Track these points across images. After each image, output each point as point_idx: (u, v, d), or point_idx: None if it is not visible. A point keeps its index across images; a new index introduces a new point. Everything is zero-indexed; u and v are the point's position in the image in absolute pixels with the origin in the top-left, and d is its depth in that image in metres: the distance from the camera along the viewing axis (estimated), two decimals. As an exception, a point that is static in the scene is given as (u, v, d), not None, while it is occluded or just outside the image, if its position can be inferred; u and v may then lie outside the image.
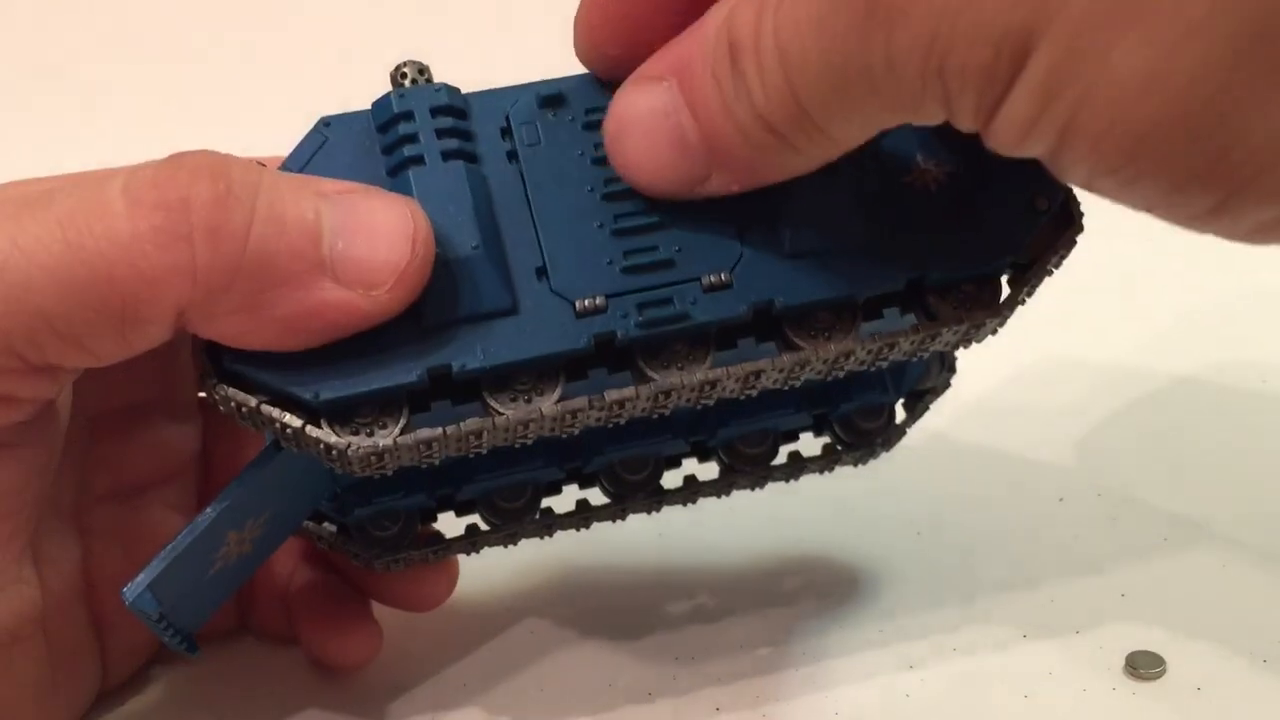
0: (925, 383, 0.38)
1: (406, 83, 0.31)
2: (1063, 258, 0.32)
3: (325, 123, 0.31)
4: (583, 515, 0.37)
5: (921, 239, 0.31)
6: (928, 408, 0.39)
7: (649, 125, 0.29)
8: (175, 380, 0.36)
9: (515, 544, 0.38)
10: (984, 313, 0.32)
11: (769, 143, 0.28)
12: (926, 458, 0.45)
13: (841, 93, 0.26)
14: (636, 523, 0.38)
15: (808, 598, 0.40)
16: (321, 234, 0.28)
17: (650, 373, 0.30)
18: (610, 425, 0.32)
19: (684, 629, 0.39)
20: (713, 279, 0.30)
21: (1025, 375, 0.41)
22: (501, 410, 0.30)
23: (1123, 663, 0.36)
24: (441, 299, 0.29)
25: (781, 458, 0.38)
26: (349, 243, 0.28)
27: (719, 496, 0.38)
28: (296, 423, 0.29)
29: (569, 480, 0.37)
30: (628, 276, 0.30)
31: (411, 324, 0.29)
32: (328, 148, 0.31)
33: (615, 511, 0.38)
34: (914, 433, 0.39)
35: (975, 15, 0.24)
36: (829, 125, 0.27)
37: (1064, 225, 0.32)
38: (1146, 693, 0.35)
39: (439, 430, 0.30)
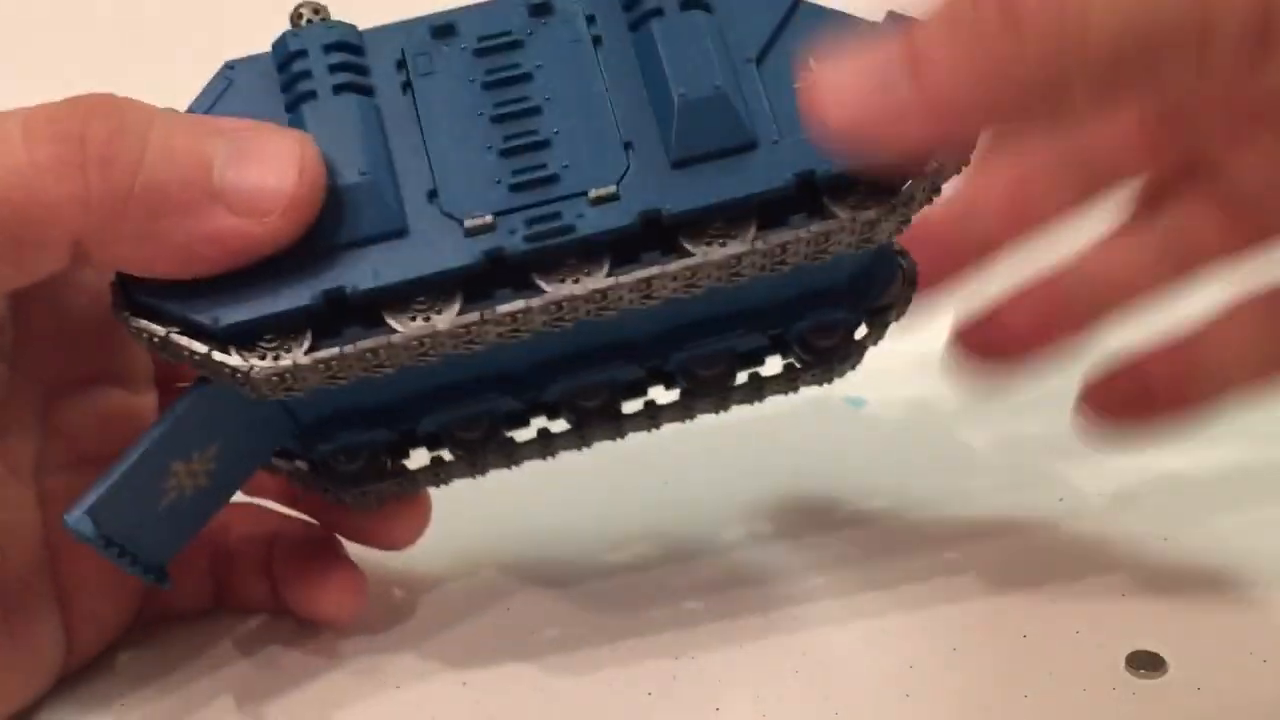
0: (885, 299, 0.37)
1: (303, 23, 0.33)
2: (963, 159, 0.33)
3: (230, 66, 0.33)
4: (544, 443, 0.38)
5: (810, 141, 0.31)
6: (888, 324, 0.38)
7: (851, 65, 0.29)
8: (129, 353, 0.37)
9: (483, 474, 0.38)
10: (875, 210, 0.31)
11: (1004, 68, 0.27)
12: (926, 458, 0.45)
13: (1139, 31, 0.26)
14: (638, 523, 0.38)
15: (807, 598, 0.40)
16: (212, 164, 0.30)
17: (545, 287, 0.31)
18: (513, 342, 0.32)
19: (683, 628, 0.39)
20: (600, 192, 0.31)
21: (1025, 375, 0.41)
22: (399, 329, 0.31)
23: (1123, 663, 0.36)
24: (334, 225, 0.31)
25: (743, 380, 0.38)
26: (239, 171, 0.30)
27: (681, 421, 0.38)
28: (202, 349, 0.31)
29: (529, 412, 0.38)
30: (515, 194, 0.31)
31: (308, 251, 0.31)
32: (232, 89, 0.33)
33: (577, 440, 0.38)
34: (914, 433, 0.39)
35: None
36: (1097, 63, 0.27)
37: None
38: (1146, 693, 0.35)
39: (336, 349, 0.31)
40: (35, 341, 0.35)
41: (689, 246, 0.31)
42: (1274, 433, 0.44)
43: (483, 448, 0.37)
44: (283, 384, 0.31)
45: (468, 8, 0.34)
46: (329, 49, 0.32)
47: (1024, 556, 0.41)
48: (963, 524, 0.42)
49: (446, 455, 0.38)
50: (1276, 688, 0.35)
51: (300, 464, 0.37)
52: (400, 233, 0.31)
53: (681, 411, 0.38)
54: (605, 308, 0.32)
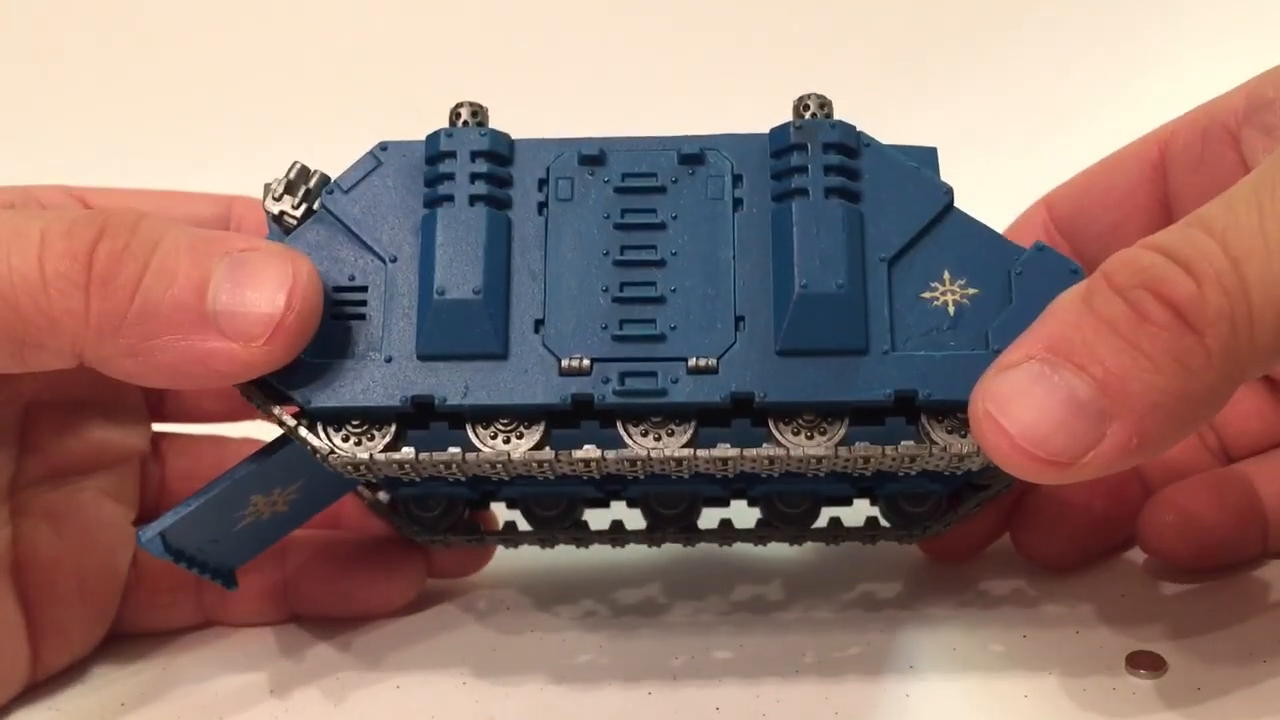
0: (984, 478, 0.37)
1: (459, 122, 0.33)
2: None
3: (382, 147, 0.33)
4: (615, 535, 0.38)
5: (924, 356, 0.31)
6: (981, 504, 0.38)
7: (1031, 393, 0.28)
8: (117, 385, 0.37)
9: (551, 547, 0.39)
10: (968, 445, 0.31)
11: (1207, 368, 0.27)
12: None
13: None
14: (638, 524, 0.39)
15: (807, 598, 0.40)
16: (208, 287, 0.31)
17: (626, 438, 0.31)
18: (588, 478, 0.33)
19: (684, 629, 0.39)
20: (699, 362, 0.31)
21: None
22: (478, 446, 0.31)
23: (1123, 663, 0.36)
24: (442, 332, 0.31)
25: (824, 520, 0.38)
26: (232, 296, 0.31)
27: (755, 544, 0.38)
28: (290, 422, 0.32)
29: (606, 501, 0.38)
30: (618, 344, 0.31)
31: (411, 350, 0.31)
32: (379, 171, 0.33)
33: (649, 538, 0.38)
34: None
35: None
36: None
37: None
38: (1146, 693, 0.35)
39: (411, 454, 0.31)
40: None
41: (775, 431, 0.31)
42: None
43: (555, 525, 0.38)
44: (357, 470, 0.32)
45: (622, 140, 0.33)
46: (476, 156, 0.32)
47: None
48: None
49: (521, 523, 0.38)
50: (1277, 688, 0.35)
51: (382, 496, 0.39)
52: (499, 355, 0.31)
53: (755, 538, 0.38)
54: (680, 470, 0.32)
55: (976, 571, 0.40)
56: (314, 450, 0.32)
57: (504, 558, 0.41)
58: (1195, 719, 0.34)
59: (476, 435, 0.31)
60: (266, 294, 0.31)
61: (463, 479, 0.32)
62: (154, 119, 0.64)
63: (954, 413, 0.31)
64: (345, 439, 0.32)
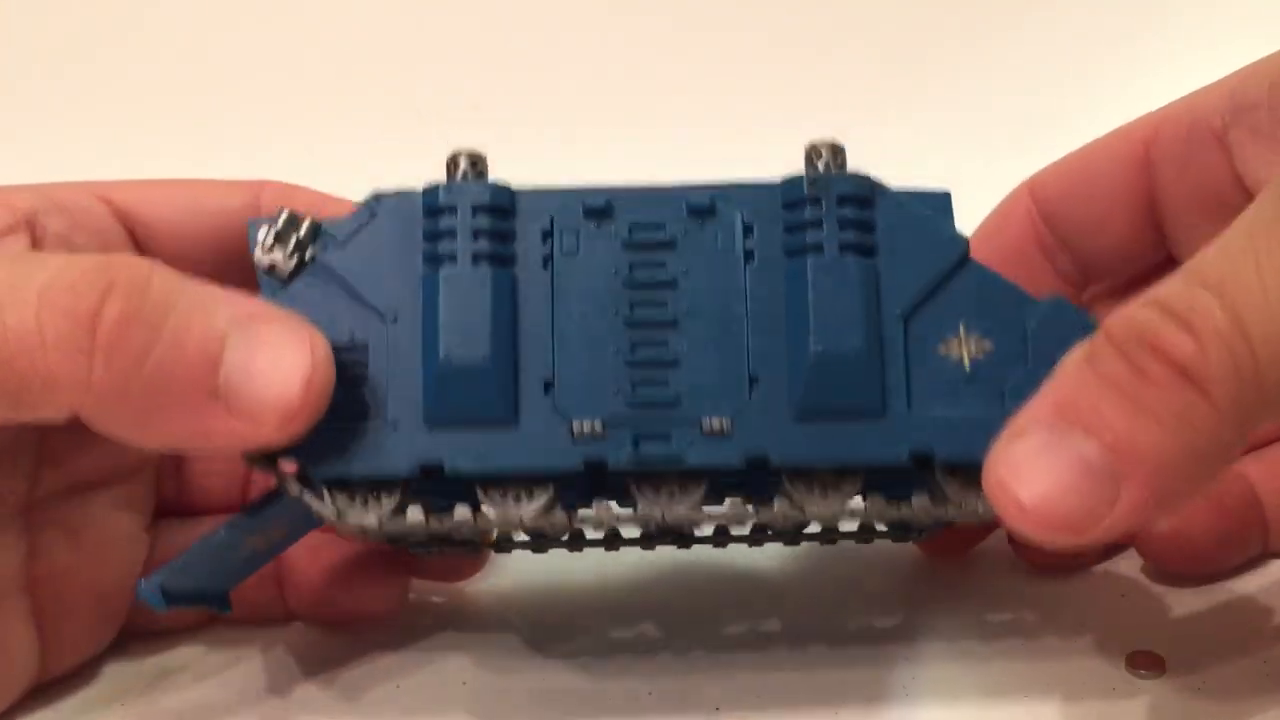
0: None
1: (458, 172, 0.32)
2: None
3: (376, 198, 0.32)
4: (610, 544, 0.38)
5: (939, 414, 0.31)
6: (976, 513, 0.37)
7: (1042, 459, 0.28)
8: None
9: (543, 552, 0.39)
10: (985, 504, 0.30)
11: (1220, 426, 0.27)
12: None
13: None
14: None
15: (806, 598, 0.40)
16: (220, 362, 0.29)
17: (638, 499, 0.31)
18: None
19: (683, 629, 0.39)
20: (713, 424, 0.31)
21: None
22: (487, 508, 0.31)
23: (1123, 663, 0.36)
24: (449, 397, 0.31)
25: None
26: (243, 377, 0.29)
27: (750, 546, 0.38)
28: (296, 489, 0.31)
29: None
30: (631, 409, 0.31)
31: (418, 415, 0.31)
32: (374, 224, 0.32)
33: (644, 543, 0.38)
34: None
35: None
36: None
37: None
38: (1146, 693, 0.35)
39: (420, 518, 0.31)
40: None
41: (789, 490, 0.31)
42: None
43: (551, 538, 0.37)
44: (364, 535, 0.32)
45: (628, 190, 0.32)
46: (477, 211, 0.31)
47: (1024, 557, 0.41)
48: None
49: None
50: (1277, 688, 0.35)
51: None
52: (508, 421, 0.31)
53: (750, 541, 0.38)
54: (695, 527, 0.32)
55: (976, 571, 0.40)
56: (322, 518, 0.31)
57: (504, 558, 0.41)
58: (1195, 719, 0.34)
59: (488, 497, 0.31)
60: (281, 378, 0.30)
61: (469, 538, 0.32)
62: (158, 115, 0.64)
63: (967, 470, 0.31)
64: (350, 500, 0.31)
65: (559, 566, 0.41)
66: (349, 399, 0.31)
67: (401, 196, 0.32)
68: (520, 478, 0.31)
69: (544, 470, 0.31)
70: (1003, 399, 0.31)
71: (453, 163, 0.32)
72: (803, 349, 0.31)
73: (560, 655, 0.38)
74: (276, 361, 0.30)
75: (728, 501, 0.31)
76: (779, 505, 0.31)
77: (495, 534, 0.38)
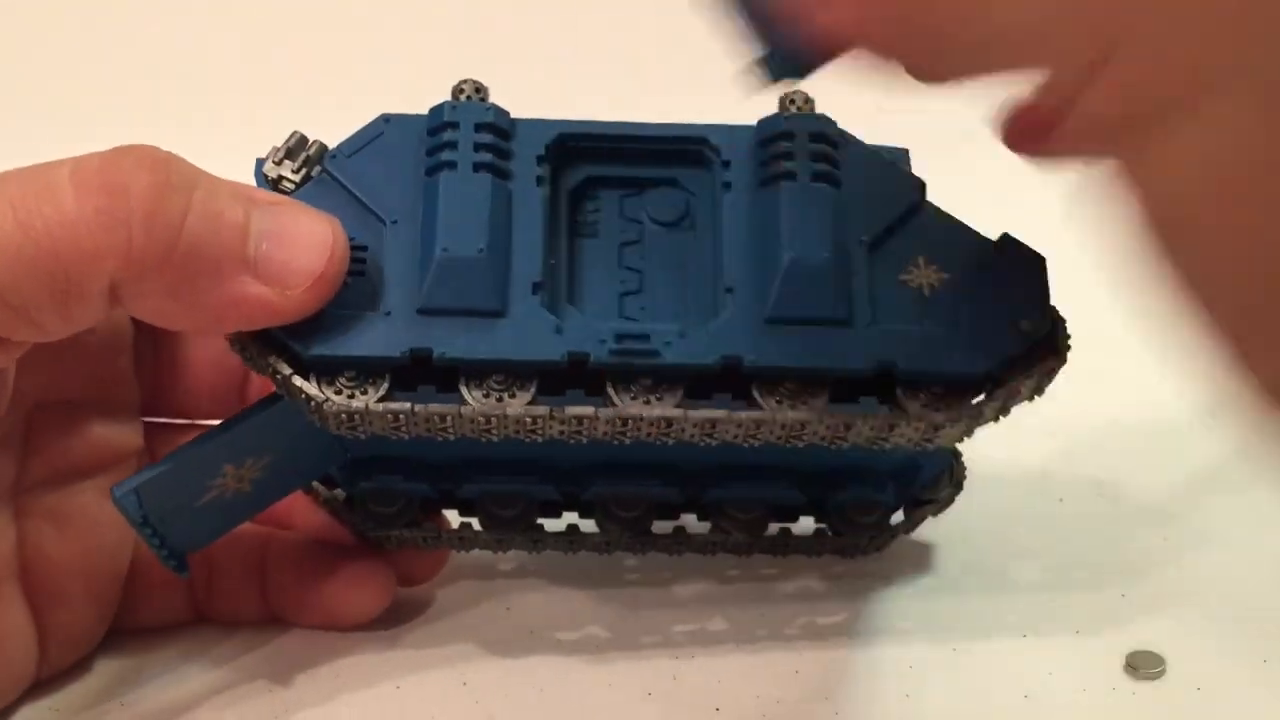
0: (928, 492, 0.39)
1: (463, 98, 0.34)
2: (1041, 385, 0.34)
3: (385, 119, 0.34)
4: (570, 539, 0.39)
5: (901, 333, 0.32)
6: (925, 518, 0.39)
7: None
8: (115, 385, 0.38)
9: (505, 551, 0.40)
10: (943, 416, 0.32)
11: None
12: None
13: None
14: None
15: (806, 598, 0.40)
16: (249, 234, 0.31)
17: (615, 399, 0.32)
18: (574, 442, 0.33)
19: (683, 628, 0.39)
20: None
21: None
22: (471, 402, 0.32)
23: (1123, 663, 0.36)
24: (443, 290, 0.32)
25: (774, 532, 0.39)
26: (273, 245, 0.31)
27: (705, 554, 0.39)
28: (286, 370, 0.32)
29: (565, 504, 0.38)
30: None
31: (411, 306, 0.32)
32: (381, 140, 0.34)
33: (601, 544, 0.39)
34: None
35: None
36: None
37: (1047, 354, 0.33)
38: (1146, 693, 0.35)
39: (407, 405, 0.32)
40: (20, 359, 0.35)
41: (759, 399, 0.32)
42: (1275, 434, 0.44)
43: (511, 527, 0.38)
44: (349, 422, 0.33)
45: (620, 125, 0.35)
46: (480, 128, 0.33)
47: (1024, 556, 0.41)
48: (961, 523, 0.42)
49: (476, 524, 0.38)
50: (1277, 688, 0.35)
51: (338, 493, 0.39)
52: (498, 312, 0.32)
53: (706, 546, 0.39)
54: (667, 434, 0.33)
55: (976, 571, 0.40)
56: (308, 399, 0.32)
57: (504, 559, 0.41)
58: (1195, 719, 0.34)
59: (470, 393, 0.32)
60: (309, 243, 0.31)
61: (452, 438, 0.33)
62: (144, 105, 0.64)
63: (928, 388, 0.32)
64: (339, 392, 0.32)
65: (559, 566, 0.41)
66: (346, 293, 0.32)
67: (409, 118, 0.34)
68: (505, 368, 0.32)
69: (528, 361, 0.32)
70: (958, 325, 0.32)
71: (458, 90, 0.35)
72: (775, 260, 0.32)
73: (560, 655, 0.38)
74: (303, 230, 0.32)
75: (706, 408, 0.32)
76: (751, 413, 0.32)
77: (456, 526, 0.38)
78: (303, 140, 0.34)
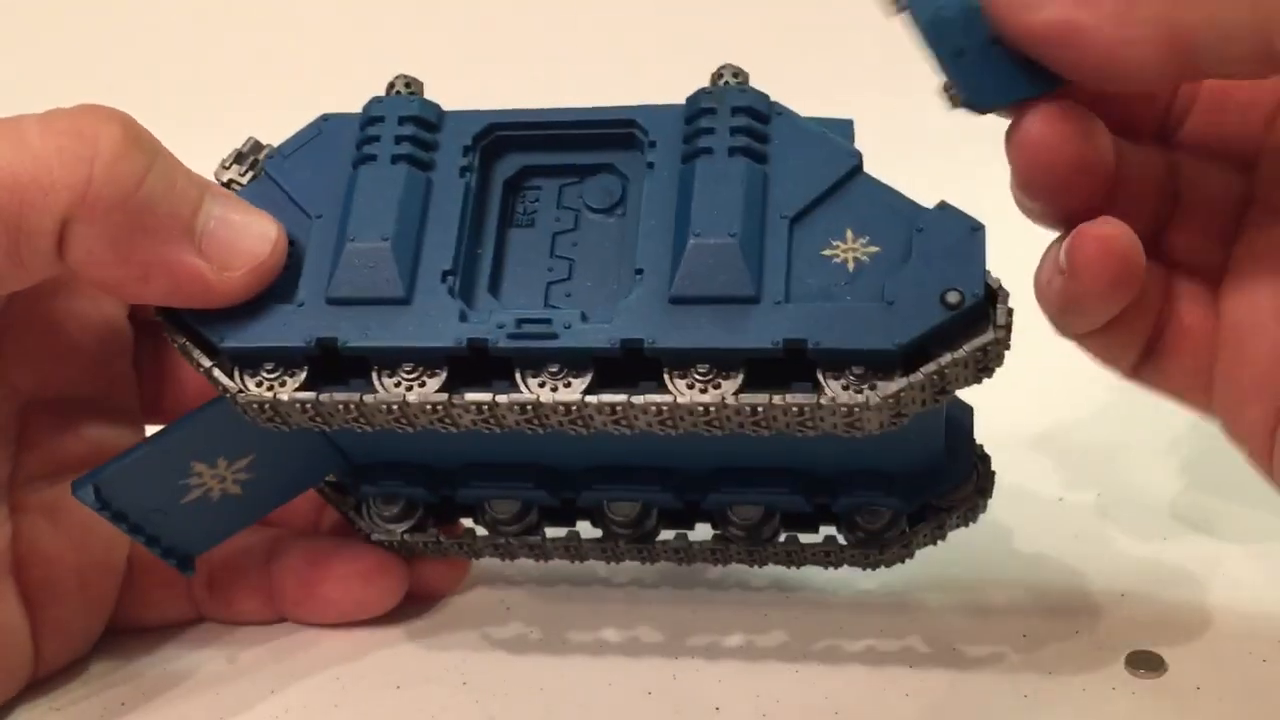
0: (946, 500, 0.37)
1: (393, 93, 0.35)
2: (981, 362, 0.31)
3: (324, 119, 0.35)
4: (572, 544, 0.38)
5: (818, 309, 0.31)
6: (944, 527, 0.37)
7: None
8: (114, 385, 0.38)
9: (511, 559, 0.39)
10: (861, 397, 0.30)
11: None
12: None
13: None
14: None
15: (806, 597, 0.40)
16: (200, 209, 0.32)
17: (520, 384, 0.32)
18: (488, 430, 0.33)
19: (683, 628, 0.39)
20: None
21: (1025, 374, 0.41)
22: (379, 390, 0.32)
23: (1123, 663, 0.36)
24: (352, 280, 0.33)
25: (783, 540, 0.38)
26: (220, 225, 0.32)
27: (714, 564, 0.39)
28: (206, 363, 0.33)
29: (563, 510, 0.38)
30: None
31: (322, 297, 0.33)
32: (319, 139, 0.35)
33: (607, 551, 0.38)
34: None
35: None
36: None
37: (976, 326, 0.31)
38: (1146, 692, 0.35)
39: (313, 395, 0.32)
40: (14, 354, 0.35)
41: (669, 384, 0.31)
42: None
43: (511, 531, 0.38)
44: (265, 413, 0.33)
45: (550, 111, 0.35)
46: (403, 120, 0.34)
47: (1024, 556, 0.41)
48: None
49: (480, 530, 0.38)
50: (1277, 688, 0.35)
51: (349, 499, 0.39)
52: (402, 300, 0.32)
53: (712, 555, 0.38)
54: (576, 422, 0.32)
55: (976, 570, 0.40)
56: (224, 390, 0.33)
57: (504, 565, 0.41)
58: (1195, 719, 0.34)
59: (380, 382, 0.32)
60: (254, 233, 0.33)
61: (368, 429, 0.33)
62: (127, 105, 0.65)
63: (848, 367, 0.31)
64: (259, 384, 0.33)
65: (558, 566, 0.41)
66: (272, 288, 0.33)
67: (347, 117, 0.35)
68: (409, 356, 0.32)
69: (429, 348, 0.32)
70: (882, 296, 0.31)
71: (390, 85, 0.35)
72: (683, 239, 0.32)
73: (560, 655, 0.38)
74: (251, 219, 0.33)
75: (606, 394, 0.32)
76: (654, 397, 0.31)
77: (475, 543, 0.39)
78: (256, 145, 0.35)
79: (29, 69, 0.68)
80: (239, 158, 0.35)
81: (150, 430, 0.40)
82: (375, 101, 0.35)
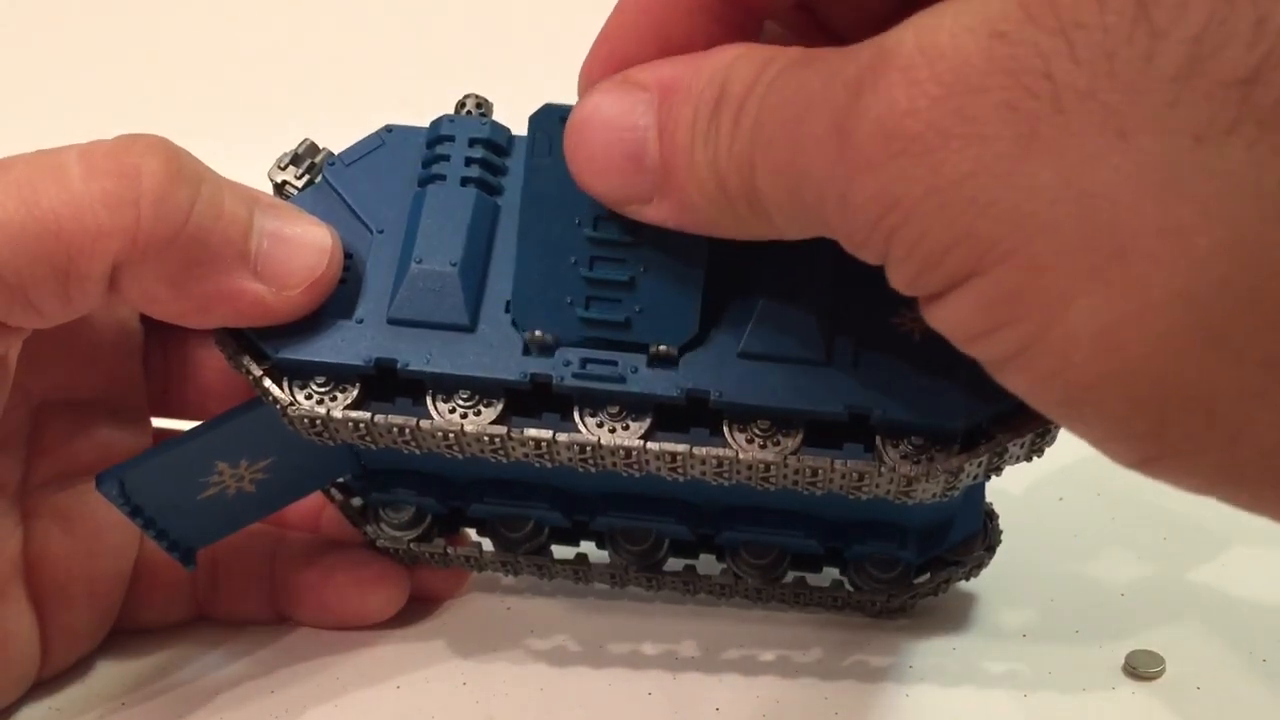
0: (956, 554, 0.37)
1: (463, 112, 0.34)
2: (1037, 445, 0.32)
3: (388, 129, 0.35)
4: (580, 567, 0.38)
5: (884, 378, 0.31)
6: (950, 581, 0.38)
7: (615, 130, 0.28)
8: (123, 386, 0.38)
9: (515, 575, 0.39)
10: (917, 469, 0.30)
11: (716, 197, 0.27)
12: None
13: (794, 195, 0.25)
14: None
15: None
16: (251, 230, 0.32)
17: (579, 423, 0.32)
18: (580, 469, 0.32)
19: (683, 628, 0.39)
20: (661, 350, 0.31)
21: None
22: (434, 416, 0.32)
23: (1123, 662, 0.36)
24: (416, 302, 0.32)
25: (790, 581, 0.38)
26: (273, 244, 0.32)
27: (719, 596, 0.38)
28: (257, 372, 0.33)
29: (574, 531, 0.38)
30: (584, 325, 0.31)
31: (384, 317, 0.32)
32: (382, 149, 0.34)
33: (613, 576, 0.38)
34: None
35: (942, 201, 0.23)
36: (773, 213, 0.26)
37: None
38: (1146, 692, 0.35)
39: (368, 415, 0.32)
40: (27, 357, 0.35)
41: (728, 436, 0.31)
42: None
43: (519, 550, 0.38)
44: (314, 428, 0.33)
45: None
46: (474, 142, 0.33)
47: (1024, 556, 0.41)
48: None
49: (487, 544, 0.38)
50: (1276, 688, 0.35)
51: (355, 501, 0.39)
52: (466, 328, 0.32)
53: (719, 590, 0.38)
54: (631, 465, 0.32)
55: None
56: (275, 401, 0.32)
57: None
58: (1195, 719, 0.34)
59: (435, 408, 0.32)
60: (308, 246, 0.32)
61: (418, 452, 0.33)
62: (159, 109, 0.65)
63: (908, 437, 0.31)
64: (309, 397, 0.32)
65: (559, 566, 0.41)
66: (327, 300, 0.32)
67: (411, 130, 0.34)
68: (468, 385, 0.32)
69: (490, 379, 0.32)
70: (949, 376, 0.30)
71: (460, 104, 0.35)
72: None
73: (560, 655, 0.38)
74: (303, 232, 0.32)
75: (668, 441, 0.31)
76: (714, 449, 0.31)
77: (475, 557, 0.38)
78: (312, 148, 0.35)
79: (83, 71, 0.68)
80: (295, 159, 0.34)
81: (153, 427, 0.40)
82: (446, 120, 0.34)
